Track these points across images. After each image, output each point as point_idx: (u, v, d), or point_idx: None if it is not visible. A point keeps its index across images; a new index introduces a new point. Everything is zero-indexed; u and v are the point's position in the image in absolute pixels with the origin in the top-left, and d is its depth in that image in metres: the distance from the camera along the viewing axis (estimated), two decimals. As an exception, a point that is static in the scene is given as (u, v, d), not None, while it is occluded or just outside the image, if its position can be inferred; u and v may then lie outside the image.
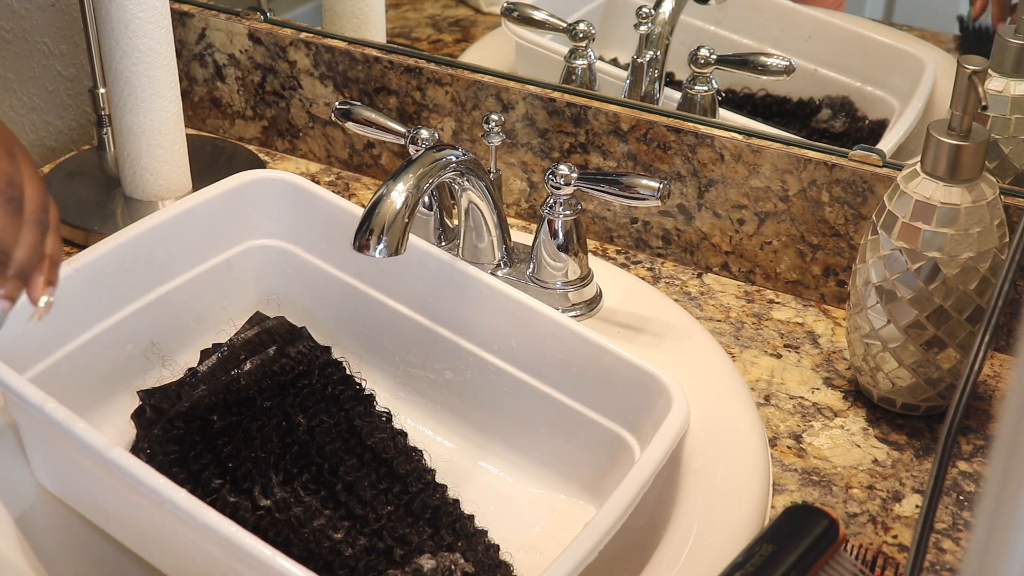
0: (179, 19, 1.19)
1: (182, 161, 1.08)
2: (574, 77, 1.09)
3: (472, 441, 0.90)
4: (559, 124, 1.05)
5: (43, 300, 0.65)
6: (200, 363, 0.86)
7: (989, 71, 0.85)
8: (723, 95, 1.07)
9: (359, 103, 0.99)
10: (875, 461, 0.84)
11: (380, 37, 1.20)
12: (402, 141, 0.96)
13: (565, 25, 1.09)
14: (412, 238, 0.86)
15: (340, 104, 0.99)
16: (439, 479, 0.85)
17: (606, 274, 0.98)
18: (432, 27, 1.24)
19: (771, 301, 1.01)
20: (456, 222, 0.97)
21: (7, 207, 0.63)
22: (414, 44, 1.22)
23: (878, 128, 1.05)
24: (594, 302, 0.95)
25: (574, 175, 0.90)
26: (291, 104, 1.18)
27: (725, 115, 1.06)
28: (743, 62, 1.05)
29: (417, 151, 0.94)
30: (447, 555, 0.77)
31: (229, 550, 0.65)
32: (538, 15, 1.12)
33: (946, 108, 0.81)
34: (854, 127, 1.06)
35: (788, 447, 0.85)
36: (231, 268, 0.93)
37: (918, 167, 0.82)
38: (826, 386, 0.91)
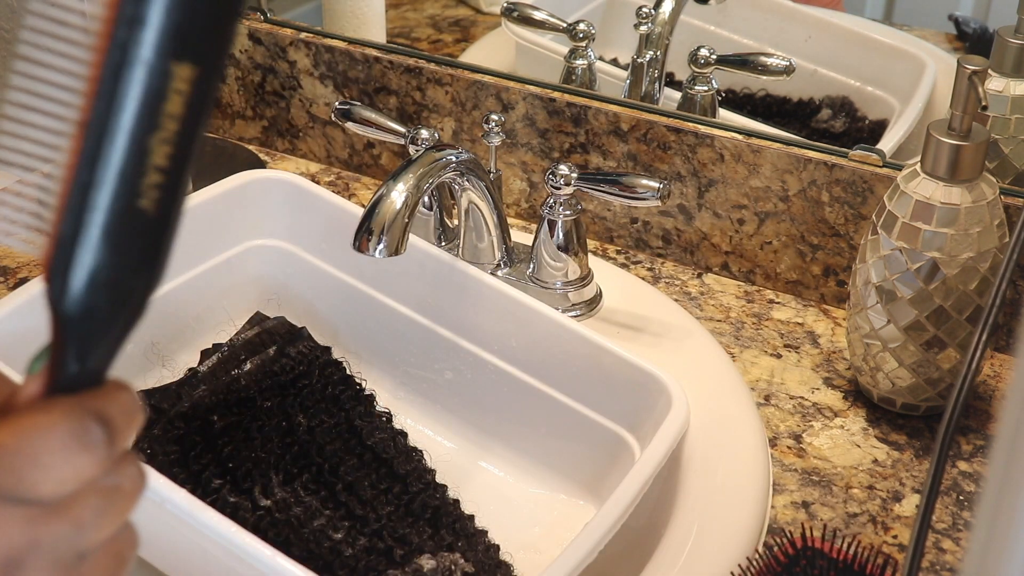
0: (179, 19, 1.19)
1: (182, 161, 1.08)
2: (574, 77, 1.09)
3: (472, 441, 0.90)
4: (559, 124, 1.05)
5: None
6: (200, 363, 0.86)
7: (989, 71, 0.85)
8: (723, 95, 1.07)
9: (359, 103, 0.99)
10: (875, 461, 0.84)
11: (380, 37, 1.20)
12: (402, 141, 0.96)
13: (565, 25, 1.09)
14: (412, 238, 0.86)
15: (340, 104, 0.99)
16: (439, 479, 0.85)
17: (606, 274, 0.98)
18: (432, 27, 1.24)
19: (771, 301, 1.01)
20: (456, 222, 0.97)
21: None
22: (414, 44, 1.22)
23: (878, 128, 1.05)
24: (594, 302, 0.95)
25: (574, 175, 0.90)
26: (291, 104, 1.18)
27: (725, 115, 1.06)
28: (743, 62, 1.05)
29: (417, 151, 0.93)
30: (447, 555, 0.77)
31: (229, 550, 0.65)
32: (538, 15, 1.12)
33: (946, 108, 0.81)
34: (854, 127, 1.06)
35: (788, 447, 0.85)
36: (231, 268, 0.93)
37: (918, 167, 0.82)
38: (826, 386, 0.91)
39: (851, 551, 0.70)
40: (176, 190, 0.40)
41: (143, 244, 0.40)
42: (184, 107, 0.38)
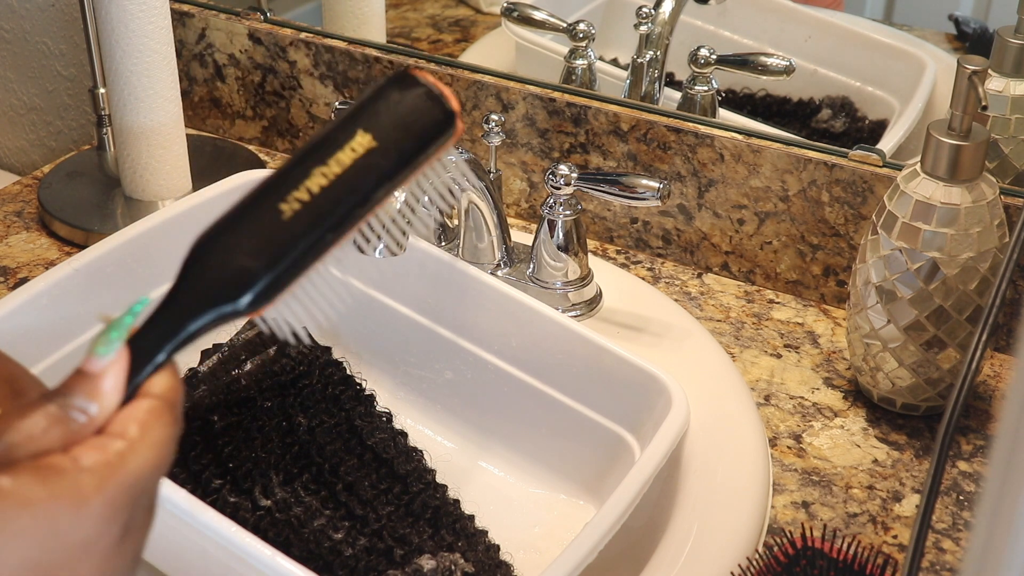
0: (179, 19, 1.19)
1: (182, 161, 1.08)
2: (574, 77, 1.09)
3: (472, 441, 0.90)
4: (559, 124, 1.05)
5: None
6: (200, 363, 0.86)
7: (989, 71, 0.85)
8: (723, 95, 1.07)
9: (359, 103, 0.99)
10: (875, 461, 0.84)
11: (380, 37, 1.20)
12: (402, 141, 0.96)
13: (565, 25, 1.09)
14: (412, 238, 0.86)
15: (340, 104, 0.99)
16: (439, 479, 0.85)
17: (606, 274, 0.98)
18: (432, 27, 1.24)
19: (771, 301, 1.01)
20: (456, 222, 0.97)
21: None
22: (414, 44, 1.21)
23: (878, 128, 1.05)
24: (594, 302, 0.95)
25: (574, 175, 0.90)
26: (291, 104, 1.18)
27: (725, 115, 1.06)
28: (743, 62, 1.05)
29: (417, 151, 0.93)
30: (447, 555, 0.77)
31: (229, 550, 0.65)
32: (538, 15, 1.11)
33: (946, 108, 0.81)
34: (854, 127, 1.06)
35: (788, 447, 0.85)
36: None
37: (918, 167, 0.82)
38: (826, 386, 0.91)
39: (851, 551, 0.70)
40: (316, 218, 0.47)
41: (266, 237, 0.47)
42: (351, 161, 0.48)
